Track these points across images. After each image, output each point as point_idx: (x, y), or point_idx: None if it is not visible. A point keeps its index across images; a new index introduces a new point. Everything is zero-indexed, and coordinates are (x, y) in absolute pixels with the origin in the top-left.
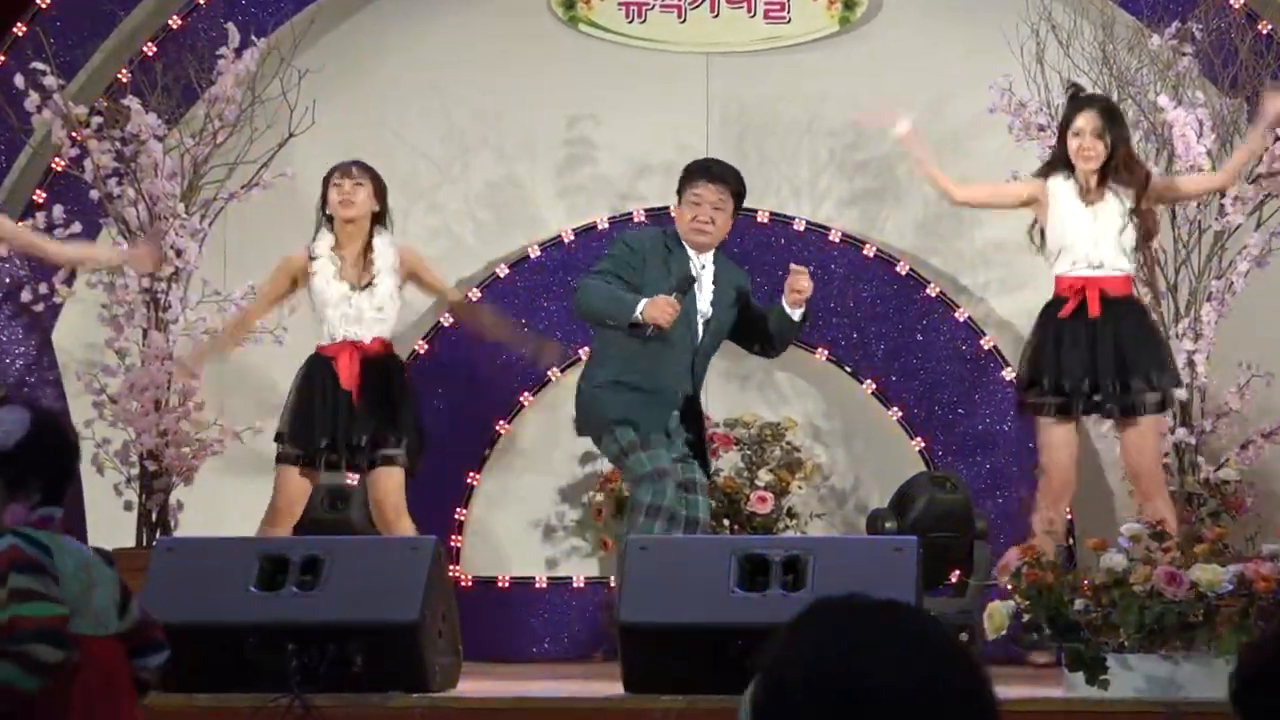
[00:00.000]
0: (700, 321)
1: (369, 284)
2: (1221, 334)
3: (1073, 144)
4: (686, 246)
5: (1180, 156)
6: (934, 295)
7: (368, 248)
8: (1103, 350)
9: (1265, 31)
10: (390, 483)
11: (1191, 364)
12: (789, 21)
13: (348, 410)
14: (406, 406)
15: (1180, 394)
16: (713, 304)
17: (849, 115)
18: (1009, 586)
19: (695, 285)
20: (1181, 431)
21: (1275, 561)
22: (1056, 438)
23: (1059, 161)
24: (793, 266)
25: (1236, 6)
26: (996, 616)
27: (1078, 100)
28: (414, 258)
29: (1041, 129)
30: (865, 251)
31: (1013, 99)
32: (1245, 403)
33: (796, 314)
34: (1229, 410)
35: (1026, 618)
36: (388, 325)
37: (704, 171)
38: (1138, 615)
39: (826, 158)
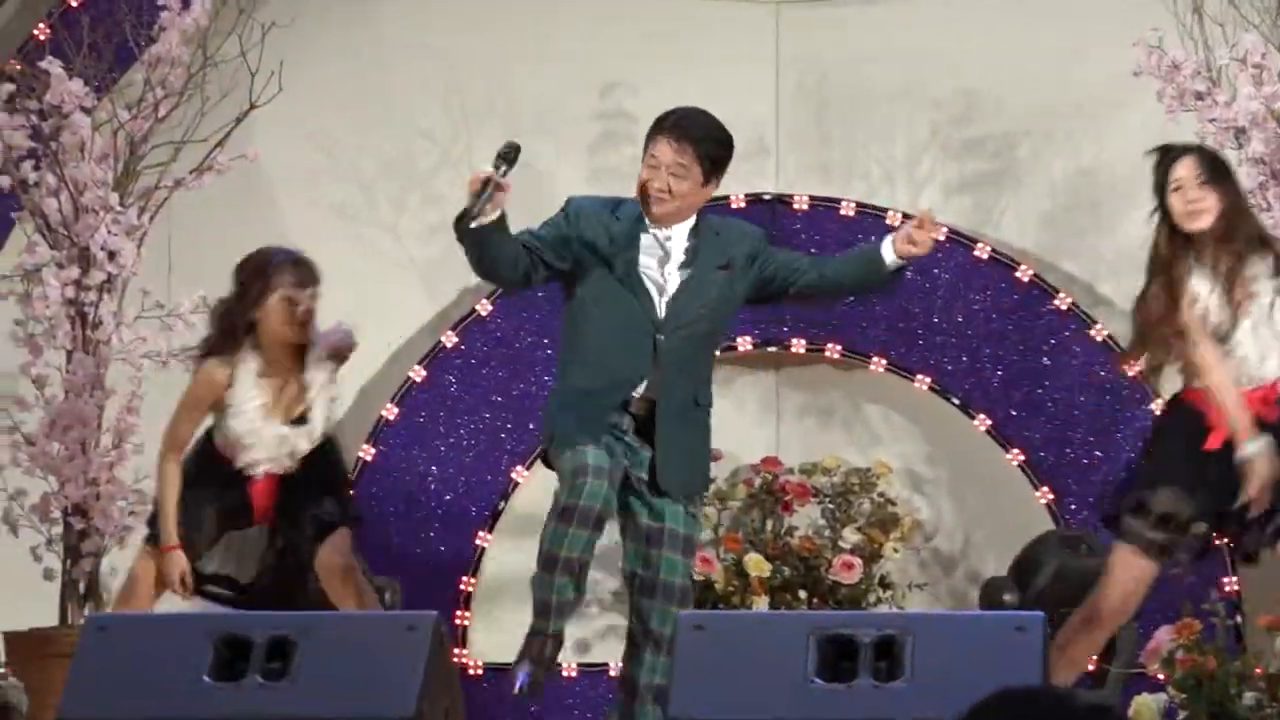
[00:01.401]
0: (658, 296)
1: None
2: None
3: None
4: (648, 220)
5: None
6: (1064, 308)
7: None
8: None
9: None
10: (332, 549)
11: None
12: None
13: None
14: (333, 465)
15: None
16: (686, 280)
17: (956, 80)
18: (1160, 675)
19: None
20: None
21: None
22: (1138, 569)
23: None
24: (924, 211)
25: None
26: (1145, 712)
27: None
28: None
29: (1199, 97)
30: (977, 252)
31: (1163, 59)
32: None
33: (894, 260)
34: None
35: (1183, 715)
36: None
37: (659, 124)
38: None
39: (928, 135)
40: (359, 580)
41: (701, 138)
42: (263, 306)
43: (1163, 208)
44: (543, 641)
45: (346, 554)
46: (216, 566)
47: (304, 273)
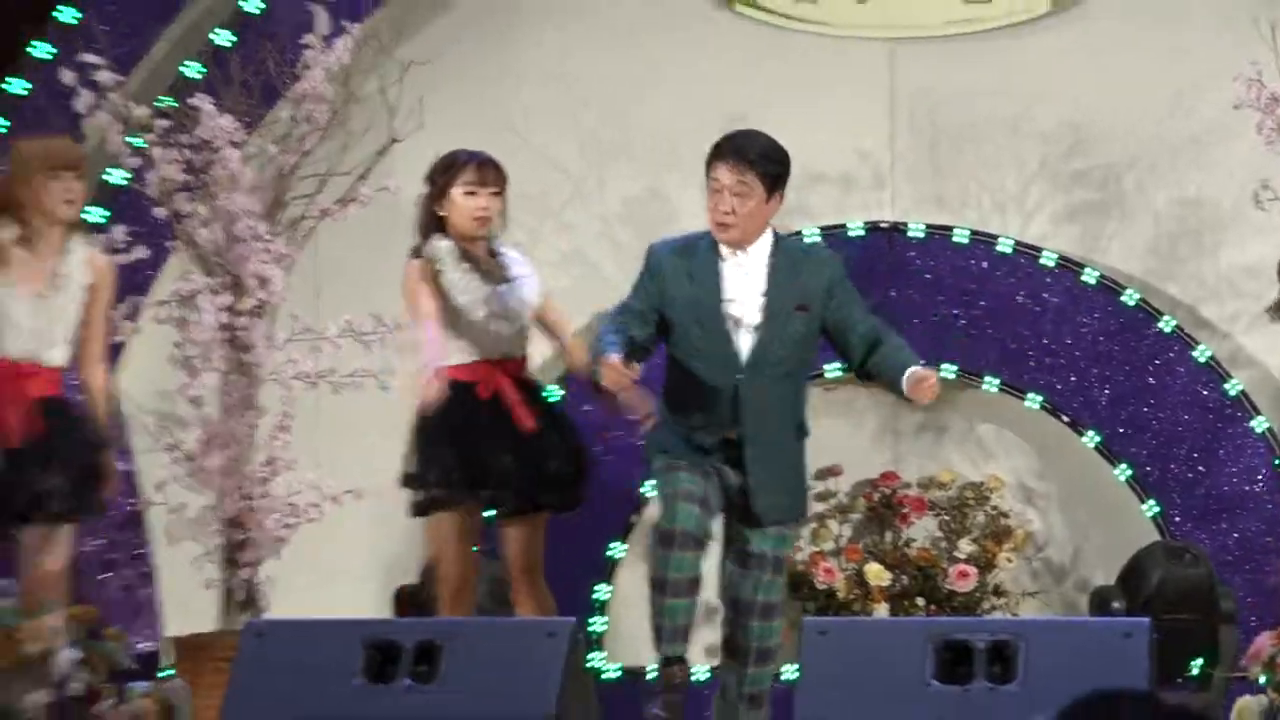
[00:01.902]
0: (742, 337)
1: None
2: None
3: None
4: (723, 249)
5: None
6: (1168, 330)
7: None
8: None
9: None
10: (536, 531)
11: None
12: (990, 1)
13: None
14: (570, 435)
15: None
16: (766, 320)
17: (1064, 113)
18: (1262, 679)
19: (716, 270)
20: None
21: None
22: None
23: None
24: (919, 376)
25: None
26: (1246, 714)
27: None
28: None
29: None
30: (1085, 278)
31: (1263, 92)
32: None
33: (906, 389)
34: None
35: None
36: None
37: (717, 149)
38: None
39: (1037, 166)
40: (542, 584)
41: (758, 157)
42: (446, 201)
43: None
44: (671, 668)
45: (541, 544)
46: None
47: (485, 172)
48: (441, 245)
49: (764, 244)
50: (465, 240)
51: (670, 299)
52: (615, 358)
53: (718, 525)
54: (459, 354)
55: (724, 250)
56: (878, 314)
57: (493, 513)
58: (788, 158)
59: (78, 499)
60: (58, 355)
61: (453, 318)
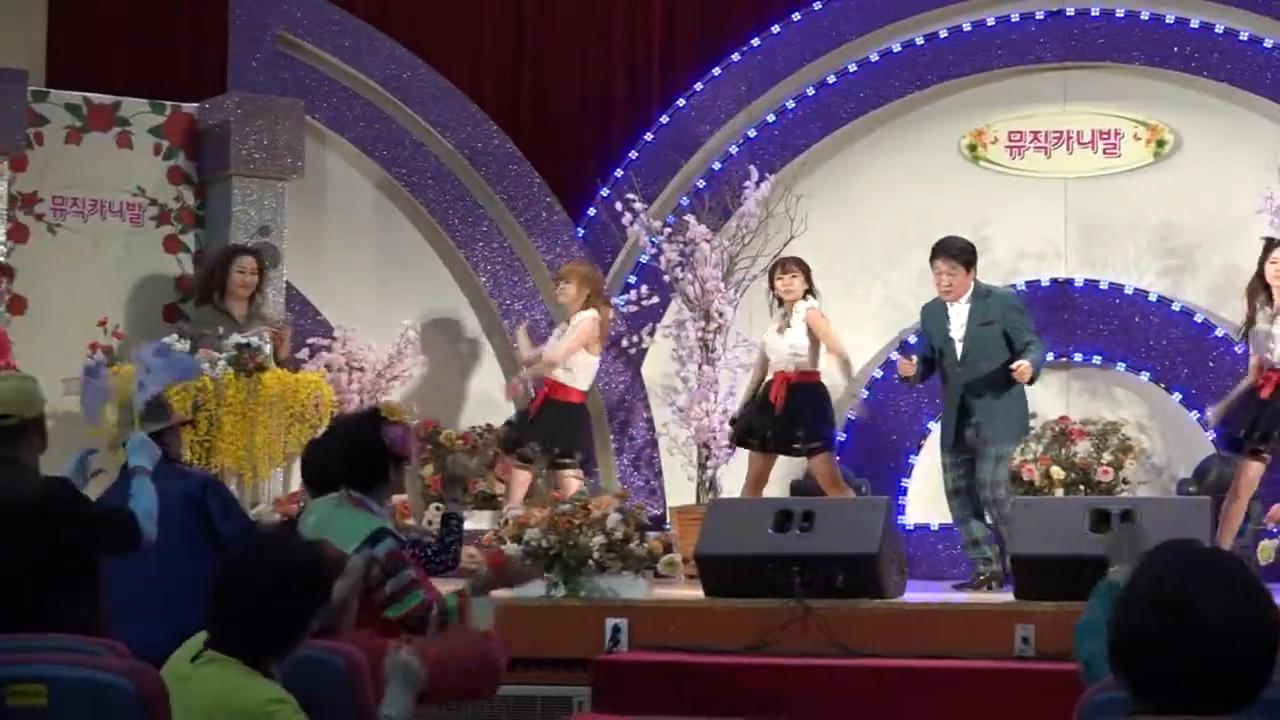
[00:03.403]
0: (958, 345)
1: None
2: None
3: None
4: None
5: None
6: (1220, 335)
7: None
8: None
9: None
10: (820, 464)
11: None
12: (1120, 155)
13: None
14: (816, 415)
15: None
16: (969, 332)
17: (1161, 216)
18: (1275, 529)
19: (947, 311)
20: None
21: None
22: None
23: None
24: (1016, 368)
25: None
26: (1266, 550)
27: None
28: (815, 318)
29: None
30: (1173, 306)
31: (1272, 204)
32: None
33: (1025, 380)
34: None
35: None
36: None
37: (932, 252)
38: None
39: (1146, 244)
40: (840, 482)
41: (952, 250)
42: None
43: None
44: (979, 572)
45: (832, 471)
46: None
47: (785, 264)
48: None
49: (965, 295)
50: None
51: (930, 334)
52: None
53: None
54: None
55: (947, 303)
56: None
57: None
58: (973, 247)
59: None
60: None
61: None
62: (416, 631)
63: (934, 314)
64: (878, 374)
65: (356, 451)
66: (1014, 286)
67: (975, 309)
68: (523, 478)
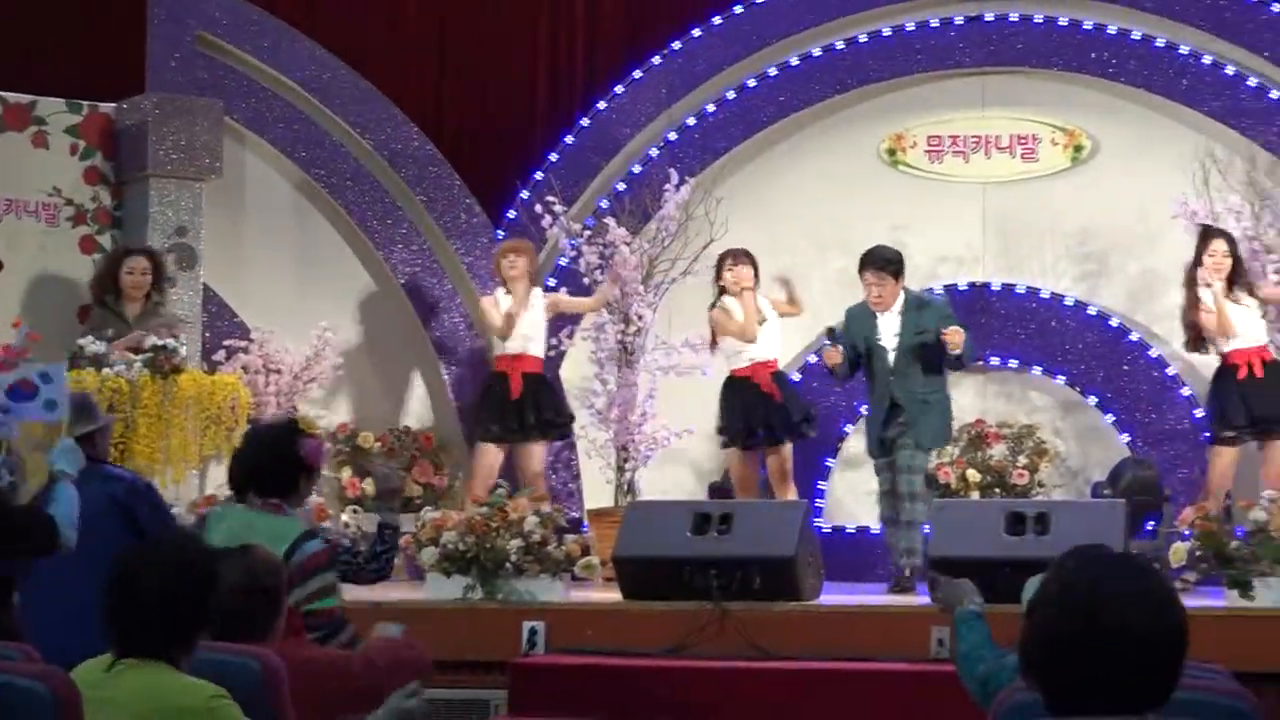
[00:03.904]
0: (890, 354)
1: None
2: None
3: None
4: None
5: None
6: (1136, 339)
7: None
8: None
9: None
10: (784, 455)
11: None
12: (1038, 160)
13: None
14: (794, 405)
15: None
16: (900, 341)
17: (1079, 222)
18: (1187, 532)
19: (876, 320)
20: None
21: None
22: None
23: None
24: (947, 333)
25: None
26: (1179, 552)
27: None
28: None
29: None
30: (1089, 311)
31: (1187, 209)
32: None
33: (953, 353)
34: None
35: (1199, 553)
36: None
37: (861, 263)
38: (1274, 551)
39: (1063, 250)
40: (788, 479)
41: (879, 261)
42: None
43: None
44: (906, 575)
45: (787, 465)
46: None
47: (738, 256)
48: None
49: (896, 305)
50: (736, 296)
51: (856, 336)
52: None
53: None
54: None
55: (875, 312)
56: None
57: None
58: (900, 256)
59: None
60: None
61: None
62: (322, 640)
63: (860, 319)
64: (796, 377)
65: (271, 461)
66: (931, 290)
67: (909, 320)
68: (497, 460)
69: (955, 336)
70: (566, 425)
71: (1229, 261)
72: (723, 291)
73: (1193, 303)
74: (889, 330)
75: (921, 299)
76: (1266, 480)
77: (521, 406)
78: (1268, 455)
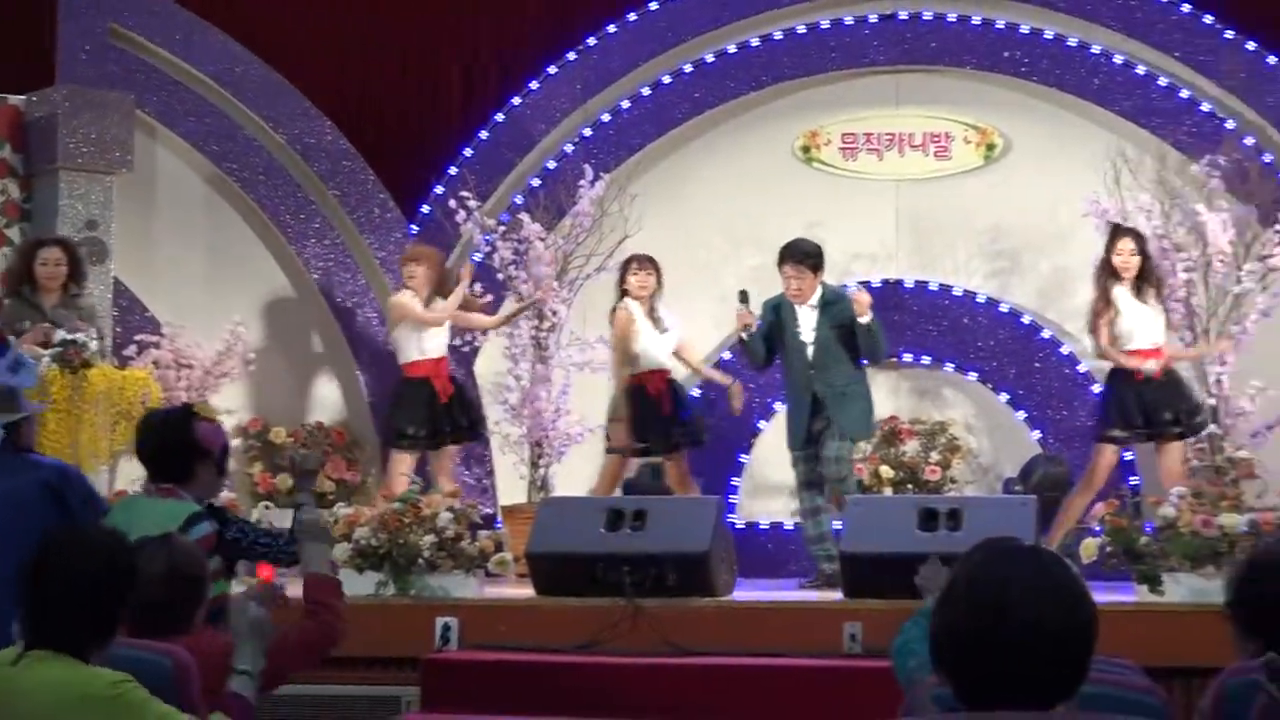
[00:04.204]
0: (810, 348)
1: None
2: (1239, 362)
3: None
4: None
5: (1211, 244)
6: (1048, 337)
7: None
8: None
9: (1268, 161)
10: (684, 462)
11: (1219, 381)
12: (950, 158)
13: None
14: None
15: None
16: (819, 335)
17: (991, 219)
18: (1098, 528)
19: (795, 314)
20: (1213, 426)
21: (1275, 511)
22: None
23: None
24: (855, 295)
25: (1249, 144)
26: (1089, 548)
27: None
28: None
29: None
30: (1001, 308)
31: (1098, 207)
32: (1255, 406)
33: (862, 319)
34: (1244, 411)
35: (1109, 549)
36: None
37: (780, 256)
38: (1184, 547)
39: (976, 248)
40: (689, 481)
41: (798, 255)
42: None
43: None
44: (822, 570)
45: (685, 468)
46: None
47: (643, 262)
48: (631, 303)
49: (814, 299)
50: (639, 300)
51: (775, 326)
52: None
53: None
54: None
55: (795, 305)
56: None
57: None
58: (820, 250)
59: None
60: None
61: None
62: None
63: (779, 312)
64: (725, 379)
65: (165, 446)
66: (845, 287)
67: (826, 314)
68: (408, 465)
69: (863, 297)
70: (483, 426)
71: (1136, 260)
72: (624, 295)
73: (1099, 301)
74: (807, 324)
75: (838, 293)
76: (1165, 479)
77: (450, 410)
78: (1163, 455)
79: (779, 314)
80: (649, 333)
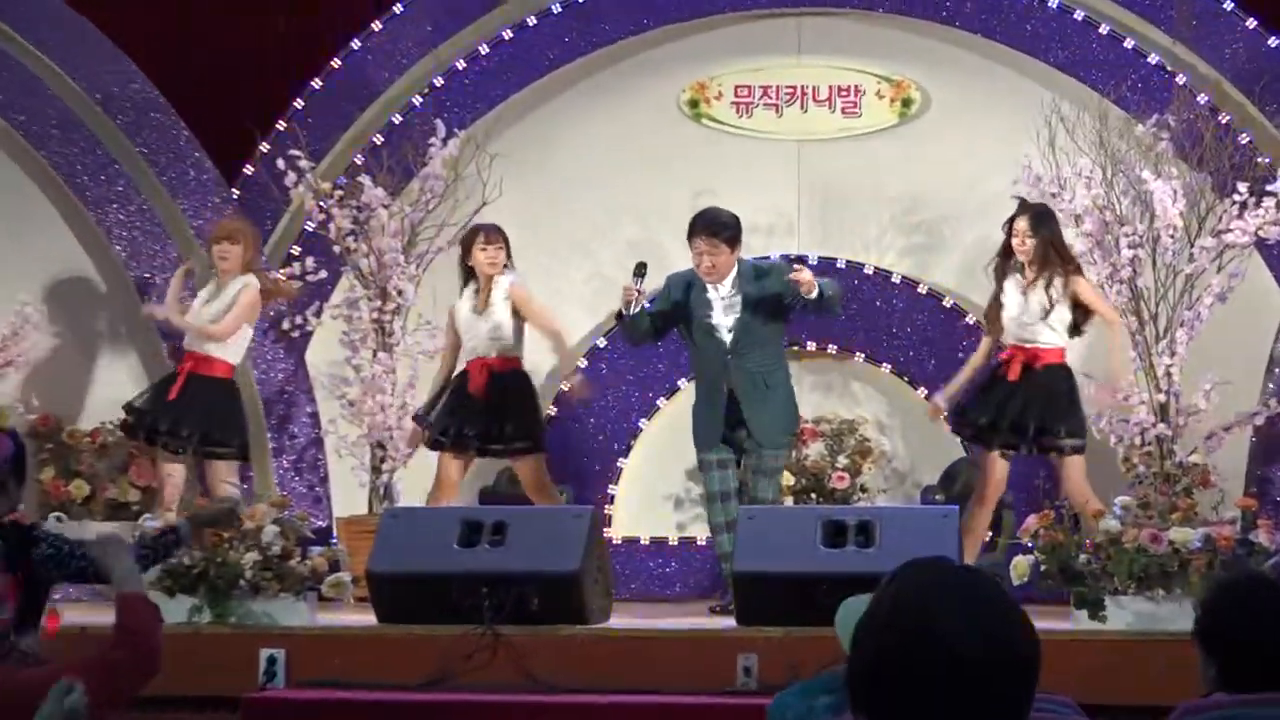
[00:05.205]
0: (724, 331)
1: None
2: (1191, 352)
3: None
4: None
5: (1159, 216)
6: (972, 323)
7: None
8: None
9: (1224, 121)
10: (527, 468)
11: (1169, 375)
12: (860, 115)
13: (481, 411)
14: (527, 409)
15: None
16: (739, 317)
17: (907, 186)
18: (1030, 544)
19: (707, 294)
20: (1161, 426)
21: (1234, 525)
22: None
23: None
24: (792, 272)
25: (1202, 102)
26: (1020, 567)
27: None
28: (521, 295)
29: (1053, 196)
30: (919, 290)
31: (1031, 174)
32: (1210, 404)
33: (811, 296)
34: (1198, 410)
35: (1044, 568)
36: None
37: (691, 227)
38: (1128, 566)
39: (889, 220)
40: (550, 488)
41: (720, 228)
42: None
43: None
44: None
45: (539, 474)
46: None
47: (490, 233)
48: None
49: (731, 275)
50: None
51: (678, 305)
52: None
53: None
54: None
55: (706, 284)
56: None
57: None
58: (738, 221)
59: None
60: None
61: None
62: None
63: (687, 290)
64: (583, 363)
65: None
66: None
67: (749, 293)
68: (176, 474)
69: (803, 274)
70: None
71: (1032, 243)
72: (470, 274)
73: (995, 293)
74: (723, 306)
75: (760, 267)
76: (1069, 497)
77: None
78: (1063, 470)
79: (688, 294)
80: (468, 316)
